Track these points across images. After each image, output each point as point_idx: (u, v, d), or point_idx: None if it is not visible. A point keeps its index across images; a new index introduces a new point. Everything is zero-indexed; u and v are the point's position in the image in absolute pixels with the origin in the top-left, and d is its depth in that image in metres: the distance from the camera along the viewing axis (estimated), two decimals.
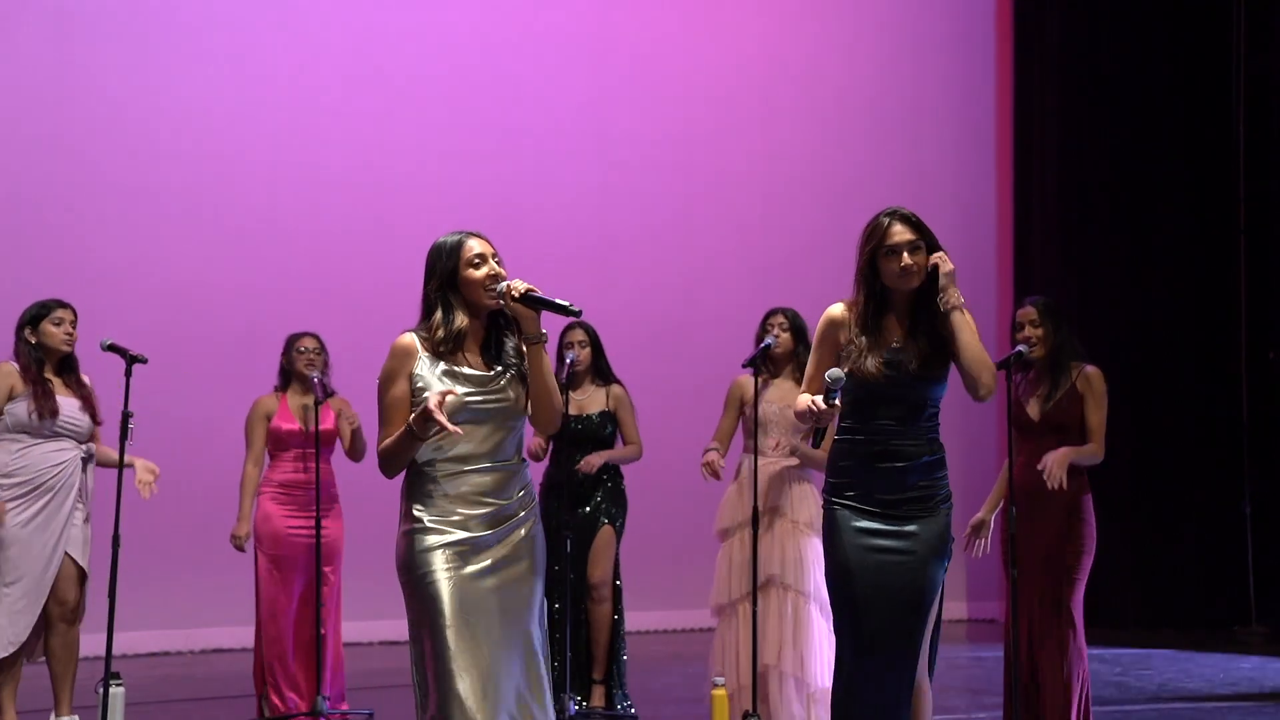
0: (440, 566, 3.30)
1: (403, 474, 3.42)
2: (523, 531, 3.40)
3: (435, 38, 9.10)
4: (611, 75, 9.52)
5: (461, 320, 3.40)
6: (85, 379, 5.45)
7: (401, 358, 3.39)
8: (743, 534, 5.45)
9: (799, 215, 9.79)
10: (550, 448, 6.12)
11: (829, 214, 9.72)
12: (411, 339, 3.40)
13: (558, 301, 3.33)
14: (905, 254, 3.69)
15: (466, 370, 3.38)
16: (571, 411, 6.07)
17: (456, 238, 3.47)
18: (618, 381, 6.19)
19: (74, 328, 5.37)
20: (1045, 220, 9.94)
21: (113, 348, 5.11)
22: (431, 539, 3.33)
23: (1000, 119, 10.44)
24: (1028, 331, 5.09)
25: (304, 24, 8.81)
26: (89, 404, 5.40)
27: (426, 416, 3.22)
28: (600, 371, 6.17)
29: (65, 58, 8.24)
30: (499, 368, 3.41)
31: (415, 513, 3.36)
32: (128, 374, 5.00)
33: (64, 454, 5.30)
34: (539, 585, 3.43)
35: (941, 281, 3.70)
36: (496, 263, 3.43)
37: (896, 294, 3.75)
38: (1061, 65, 9.96)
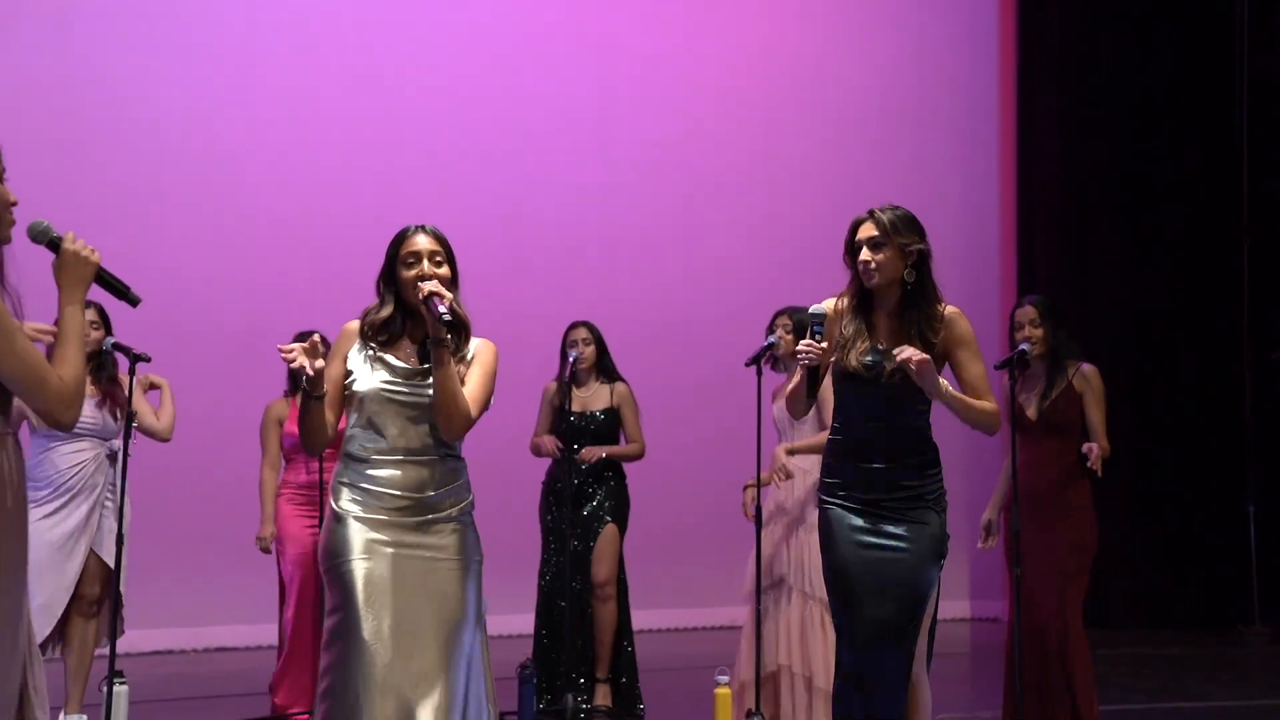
0: (355, 556, 3.31)
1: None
2: (448, 529, 3.39)
3: (441, 37, 9.11)
4: (615, 76, 9.52)
5: (387, 311, 3.47)
6: (122, 376, 5.43)
7: (341, 340, 3.50)
8: (770, 527, 5.47)
9: (803, 215, 9.78)
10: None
11: (833, 214, 9.64)
12: (354, 325, 3.51)
13: (441, 313, 3.31)
14: (865, 249, 3.77)
15: (392, 360, 3.43)
16: (575, 409, 6.09)
17: (404, 231, 3.52)
18: (622, 379, 6.20)
19: (90, 327, 5.37)
20: (1047, 219, 9.94)
21: (116, 346, 5.13)
22: (350, 526, 3.34)
23: (1003, 118, 10.44)
24: (1028, 331, 5.10)
25: (310, 23, 8.82)
26: (113, 402, 5.41)
27: (305, 368, 3.26)
28: (605, 369, 6.19)
29: (70, 56, 8.25)
30: (428, 365, 3.40)
31: (335, 502, 3.40)
32: (131, 373, 5.02)
33: (83, 454, 5.33)
34: (469, 586, 3.38)
35: (916, 378, 3.65)
36: (437, 262, 3.45)
37: (879, 292, 3.80)
38: (1063, 65, 9.96)
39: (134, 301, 2.99)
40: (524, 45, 9.30)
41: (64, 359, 2.73)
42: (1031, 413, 5.12)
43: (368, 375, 3.42)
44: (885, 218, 3.77)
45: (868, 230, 3.78)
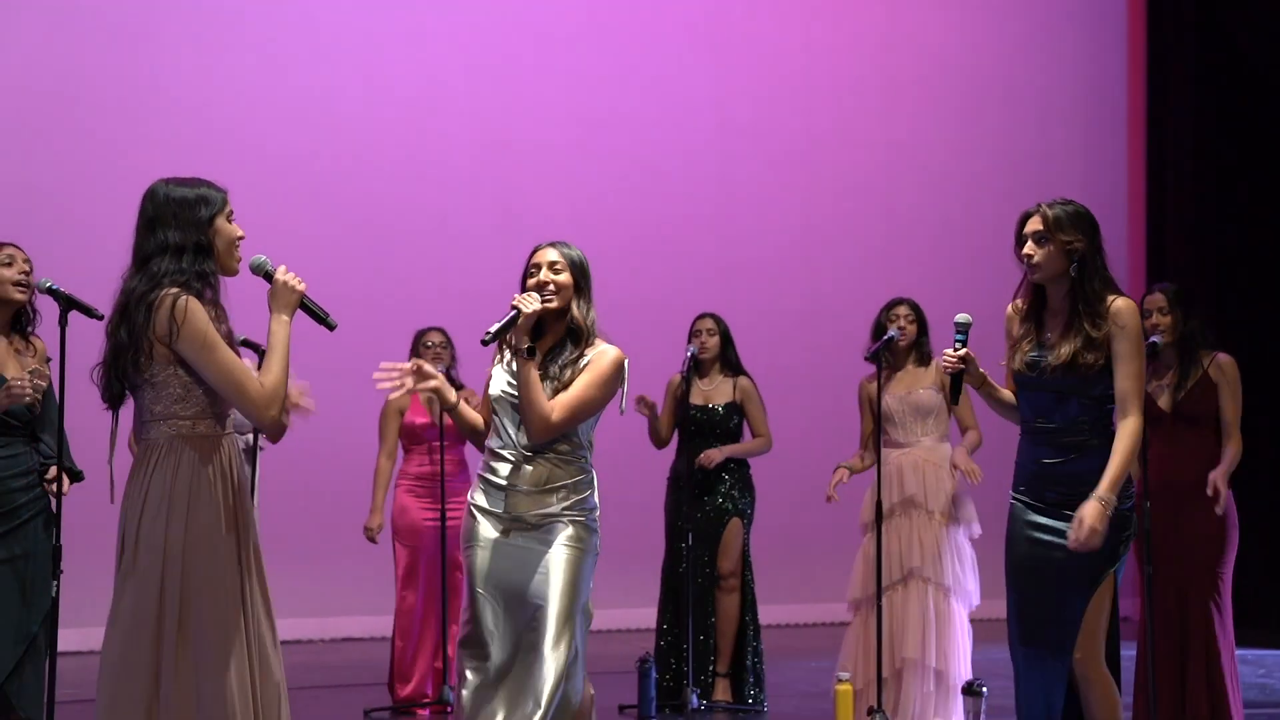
0: (476, 540, 3.69)
1: None
2: (561, 523, 3.64)
3: (558, 32, 9.15)
4: (730, 69, 9.47)
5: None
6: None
7: (499, 351, 3.80)
8: (897, 520, 5.43)
9: (925, 204, 9.65)
10: (676, 439, 6.12)
11: (956, 202, 9.59)
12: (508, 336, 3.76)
13: (507, 316, 3.62)
14: (1029, 243, 3.80)
15: (514, 368, 3.68)
16: (698, 402, 6.08)
17: (535, 247, 3.78)
18: (745, 373, 6.17)
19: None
20: (1179, 206, 9.65)
21: (245, 343, 5.23)
22: (475, 513, 3.72)
23: (1133, 101, 10.16)
24: (1155, 319, 5.00)
25: (427, 19, 8.93)
26: None
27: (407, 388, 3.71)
28: (729, 362, 6.16)
29: (202, 58, 8.46)
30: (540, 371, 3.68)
31: (470, 493, 3.78)
32: (259, 367, 5.12)
33: None
34: (568, 575, 3.61)
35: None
36: (556, 270, 3.69)
37: (1049, 288, 3.83)
38: (1197, 45, 9.64)
39: (331, 326, 3.39)
40: (637, 40, 9.29)
41: (266, 368, 3.24)
42: (1164, 403, 4.97)
43: (497, 381, 3.73)
44: (1051, 213, 3.80)
45: (1033, 225, 3.83)
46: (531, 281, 3.69)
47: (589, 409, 3.66)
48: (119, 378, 3.19)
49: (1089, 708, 3.76)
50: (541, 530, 3.63)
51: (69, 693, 4.64)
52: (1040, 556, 3.76)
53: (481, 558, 3.66)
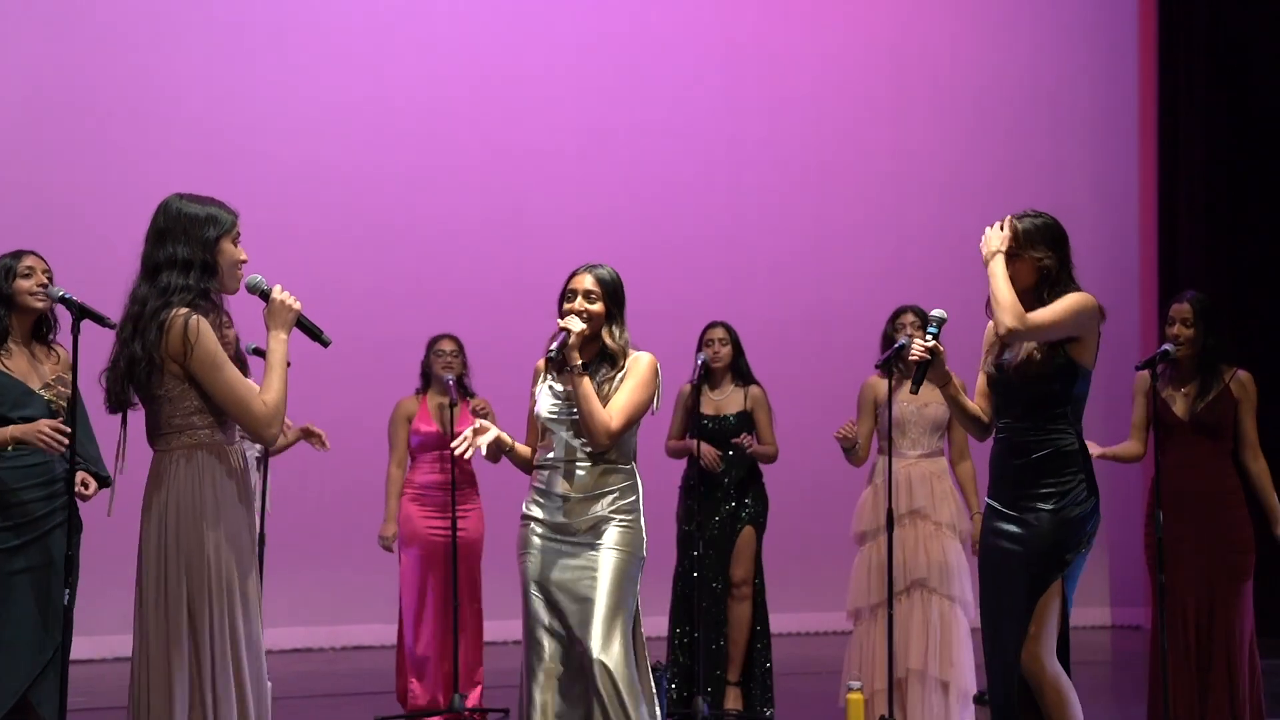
0: (530, 547, 3.95)
1: None
2: (607, 526, 3.89)
3: (568, 40, 9.17)
4: (741, 79, 9.49)
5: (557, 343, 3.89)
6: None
7: (535, 376, 4.04)
8: (882, 537, 5.40)
9: (935, 212, 9.65)
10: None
11: (966, 211, 9.54)
12: (542, 361, 4.01)
13: (550, 348, 3.88)
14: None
15: (557, 387, 3.96)
16: (709, 411, 6.08)
17: (574, 271, 3.98)
18: (756, 382, 6.17)
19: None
20: (1191, 214, 9.63)
21: (257, 351, 5.25)
22: (528, 523, 3.98)
23: (1144, 109, 10.15)
24: (1178, 329, 4.98)
25: (438, 27, 8.96)
26: None
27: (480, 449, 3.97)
28: (740, 372, 6.17)
29: (213, 68, 8.50)
30: None
31: (525, 503, 4.02)
32: None
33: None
34: (614, 575, 3.85)
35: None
36: (591, 299, 3.90)
37: (1020, 297, 3.86)
38: (1209, 52, 9.63)
39: (325, 343, 3.52)
40: (650, 47, 9.32)
41: (267, 385, 3.36)
42: (1181, 411, 4.96)
43: (542, 401, 3.98)
44: (1020, 227, 3.84)
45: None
46: (567, 307, 3.93)
47: (639, 410, 3.93)
48: (131, 387, 3.31)
49: (1044, 710, 3.79)
50: (591, 534, 3.89)
51: (80, 700, 4.65)
52: (993, 556, 3.89)
53: (534, 563, 3.91)
